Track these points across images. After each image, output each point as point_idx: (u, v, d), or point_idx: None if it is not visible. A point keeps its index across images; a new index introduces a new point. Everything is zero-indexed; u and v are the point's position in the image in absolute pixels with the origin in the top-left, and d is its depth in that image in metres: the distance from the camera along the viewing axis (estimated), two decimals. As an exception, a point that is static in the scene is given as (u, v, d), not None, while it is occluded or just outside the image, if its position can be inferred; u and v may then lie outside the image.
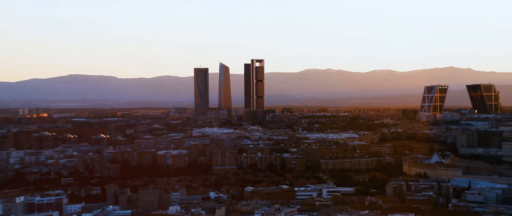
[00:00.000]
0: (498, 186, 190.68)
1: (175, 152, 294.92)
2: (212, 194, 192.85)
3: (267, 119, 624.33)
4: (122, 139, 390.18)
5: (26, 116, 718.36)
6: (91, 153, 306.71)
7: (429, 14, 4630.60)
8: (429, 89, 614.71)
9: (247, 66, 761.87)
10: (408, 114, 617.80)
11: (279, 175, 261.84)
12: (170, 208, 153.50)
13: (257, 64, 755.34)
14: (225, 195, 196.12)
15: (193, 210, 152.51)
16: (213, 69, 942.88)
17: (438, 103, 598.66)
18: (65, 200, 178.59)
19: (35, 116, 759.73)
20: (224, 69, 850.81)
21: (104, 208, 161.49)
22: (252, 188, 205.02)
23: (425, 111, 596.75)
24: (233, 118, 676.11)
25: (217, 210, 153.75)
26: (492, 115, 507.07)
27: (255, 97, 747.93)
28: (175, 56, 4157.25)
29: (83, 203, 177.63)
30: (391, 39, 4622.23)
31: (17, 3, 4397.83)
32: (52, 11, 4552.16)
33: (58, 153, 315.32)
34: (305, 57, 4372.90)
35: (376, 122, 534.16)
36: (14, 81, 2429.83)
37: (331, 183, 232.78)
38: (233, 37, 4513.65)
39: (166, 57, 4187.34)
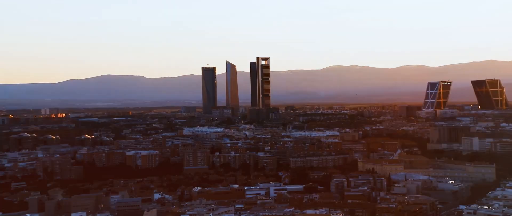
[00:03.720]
0: (421, 177, 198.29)
1: (145, 153, 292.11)
2: (157, 195, 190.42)
3: (270, 116, 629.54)
4: (107, 139, 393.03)
5: (45, 116, 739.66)
6: (58, 155, 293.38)
7: (465, 4, 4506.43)
8: (432, 85, 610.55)
9: (253, 65, 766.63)
10: (412, 111, 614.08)
11: (246, 174, 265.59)
12: (73, 214, 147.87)
13: (263, 62, 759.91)
14: (171, 196, 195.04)
15: (98, 215, 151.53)
16: (240, 68, 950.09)
17: (442, 100, 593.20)
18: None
19: (53, 116, 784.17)
20: (231, 68, 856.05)
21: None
22: (200, 188, 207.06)
23: (428, 107, 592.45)
24: (238, 116, 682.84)
25: (146, 212, 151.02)
26: (490, 111, 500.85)
27: (261, 95, 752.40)
28: (201, 55, 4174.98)
29: (0, 213, 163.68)
30: (422, 33, 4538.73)
31: (54, 8, 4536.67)
32: (85, 14, 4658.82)
33: (23, 156, 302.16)
34: (329, 54, 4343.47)
35: (374, 119, 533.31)
36: (54, 82, 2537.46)
37: (287, 181, 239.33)
38: (255, 35, 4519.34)
39: (191, 56, 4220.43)
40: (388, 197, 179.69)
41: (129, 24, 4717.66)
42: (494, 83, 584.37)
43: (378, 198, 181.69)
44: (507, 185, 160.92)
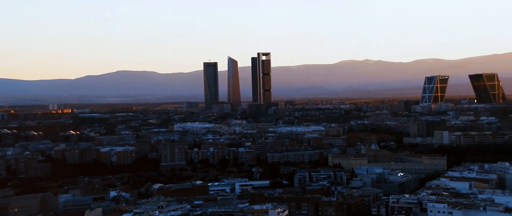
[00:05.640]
0: (376, 170, 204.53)
1: (120, 149, 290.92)
2: (113, 193, 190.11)
3: (269, 112, 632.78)
4: (94, 135, 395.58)
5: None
6: (28, 153, 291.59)
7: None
8: (430, 80, 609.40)
9: (254, 60, 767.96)
10: (410, 105, 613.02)
11: (222, 170, 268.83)
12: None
13: (264, 57, 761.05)
14: (128, 194, 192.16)
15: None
16: (243, 63, 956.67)
17: (439, 94, 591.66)
18: None
19: (59, 111, 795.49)
20: (232, 63, 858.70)
21: None
22: (160, 185, 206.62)
23: (425, 102, 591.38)
24: (237, 111, 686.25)
25: (88, 212, 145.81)
26: (482, 105, 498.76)
27: (261, 90, 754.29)
28: (213, 50, 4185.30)
29: None
30: (440, 26, 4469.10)
31: (71, 6, 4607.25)
32: (101, 12, 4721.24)
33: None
34: (342, 48, 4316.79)
35: (369, 113, 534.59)
36: (73, 78, 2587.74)
37: (258, 176, 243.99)
38: (268, 30, 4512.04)
39: (204, 51, 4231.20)
40: (343, 191, 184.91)
41: (143, 21, 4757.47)
42: (492, 77, 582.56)
43: (336, 192, 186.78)
44: (445, 175, 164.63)
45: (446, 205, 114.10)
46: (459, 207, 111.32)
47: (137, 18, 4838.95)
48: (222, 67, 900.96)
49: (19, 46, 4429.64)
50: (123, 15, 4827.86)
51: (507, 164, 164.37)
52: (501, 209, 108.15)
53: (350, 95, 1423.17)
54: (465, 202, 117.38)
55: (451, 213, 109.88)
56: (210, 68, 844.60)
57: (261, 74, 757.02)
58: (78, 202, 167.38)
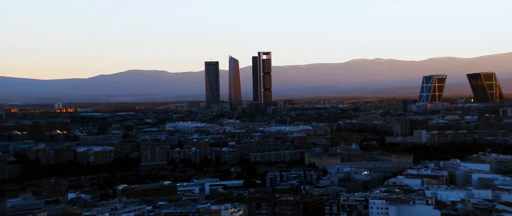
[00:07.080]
0: (346, 169, 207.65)
1: (98, 149, 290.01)
2: (72, 195, 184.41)
3: (268, 111, 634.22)
4: (80, 134, 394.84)
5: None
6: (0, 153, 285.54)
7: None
8: (427, 79, 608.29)
9: (254, 59, 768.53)
10: (407, 104, 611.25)
11: (199, 170, 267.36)
12: None
13: (264, 56, 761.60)
14: (89, 196, 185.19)
15: None
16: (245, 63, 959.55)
17: (437, 93, 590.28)
18: None
19: (64, 110, 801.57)
20: (233, 62, 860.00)
21: None
22: (125, 185, 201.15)
23: (423, 101, 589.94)
24: (237, 111, 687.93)
25: None
26: (475, 104, 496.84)
27: (262, 89, 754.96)
28: (219, 50, 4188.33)
29: None
30: (454, 22, 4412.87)
31: (83, 5, 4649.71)
32: (112, 11, 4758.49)
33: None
34: (353, 46, 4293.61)
35: (362, 112, 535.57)
36: (86, 77, 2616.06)
37: (235, 175, 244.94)
38: (279, 28, 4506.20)
39: (212, 50, 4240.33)
40: (308, 190, 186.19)
41: (153, 19, 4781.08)
42: (489, 76, 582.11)
43: (304, 191, 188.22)
44: (404, 172, 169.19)
45: (384, 201, 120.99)
46: (394, 203, 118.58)
47: (147, 17, 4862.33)
48: (226, 66, 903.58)
49: (34, 46, 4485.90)
50: (133, 14, 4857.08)
51: (458, 160, 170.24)
52: (430, 202, 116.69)
53: (359, 95, 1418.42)
54: (403, 197, 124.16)
55: (387, 208, 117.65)
56: (212, 67, 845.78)
57: (261, 74, 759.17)
58: (27, 206, 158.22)
